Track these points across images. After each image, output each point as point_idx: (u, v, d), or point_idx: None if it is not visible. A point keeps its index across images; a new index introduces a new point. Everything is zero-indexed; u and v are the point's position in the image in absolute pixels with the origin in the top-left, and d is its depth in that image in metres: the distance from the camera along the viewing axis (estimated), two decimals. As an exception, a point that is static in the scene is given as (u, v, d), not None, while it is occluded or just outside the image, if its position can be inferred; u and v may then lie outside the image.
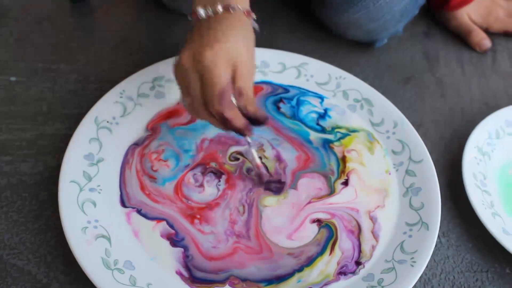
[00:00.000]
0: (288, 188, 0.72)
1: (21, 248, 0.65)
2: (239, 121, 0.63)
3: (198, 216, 0.68)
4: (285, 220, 0.69)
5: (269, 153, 0.75)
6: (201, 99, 0.63)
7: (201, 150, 0.74)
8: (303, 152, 0.76)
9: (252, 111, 0.64)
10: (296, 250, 0.67)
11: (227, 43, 0.61)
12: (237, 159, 0.74)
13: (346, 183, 0.74)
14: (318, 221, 0.69)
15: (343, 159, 0.76)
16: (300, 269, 0.65)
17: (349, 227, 0.69)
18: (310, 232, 0.69)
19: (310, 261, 0.66)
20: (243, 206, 0.69)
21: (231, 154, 0.75)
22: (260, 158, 0.73)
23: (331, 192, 0.72)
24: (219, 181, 0.72)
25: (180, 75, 0.64)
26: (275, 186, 0.71)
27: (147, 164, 0.72)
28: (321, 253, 0.67)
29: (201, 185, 0.71)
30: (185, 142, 0.75)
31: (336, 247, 0.68)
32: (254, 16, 0.67)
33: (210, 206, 0.69)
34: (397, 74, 0.93)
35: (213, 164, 0.73)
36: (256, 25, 0.67)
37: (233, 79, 0.62)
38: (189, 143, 0.75)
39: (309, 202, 0.71)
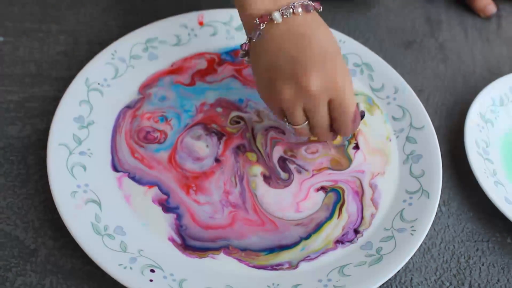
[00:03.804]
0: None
1: (9, 213, 0.63)
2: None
3: (194, 186, 0.66)
4: (289, 195, 0.67)
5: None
6: (328, 125, 0.62)
7: (201, 112, 0.72)
8: None
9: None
10: (306, 219, 0.65)
11: (339, 53, 0.59)
12: (238, 122, 0.72)
13: (357, 147, 0.72)
14: (322, 188, 0.68)
15: None
16: (307, 237, 0.64)
17: (354, 188, 0.68)
18: (317, 198, 0.67)
19: (318, 228, 0.65)
20: (235, 177, 0.68)
21: (232, 118, 0.73)
22: None
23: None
24: (220, 143, 0.70)
25: (302, 100, 0.59)
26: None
27: (140, 128, 0.70)
28: (329, 217, 0.66)
29: (199, 154, 0.69)
30: (186, 102, 0.73)
31: (344, 209, 0.66)
32: (321, 8, 0.61)
33: (206, 174, 0.67)
34: (398, 38, 0.90)
35: (214, 126, 0.71)
36: None
37: None
38: (189, 104, 0.73)
39: (313, 175, 0.69)
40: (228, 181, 0.67)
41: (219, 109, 0.73)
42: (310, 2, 0.59)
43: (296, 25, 0.58)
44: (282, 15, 0.58)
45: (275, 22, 0.58)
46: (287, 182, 0.68)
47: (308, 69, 0.57)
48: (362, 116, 0.65)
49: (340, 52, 0.60)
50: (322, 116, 0.60)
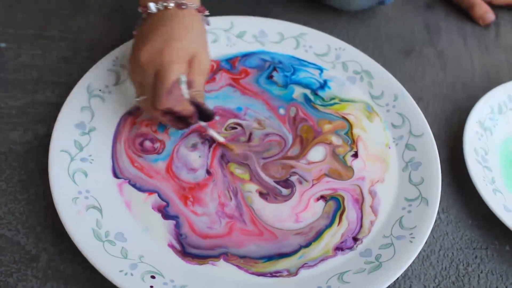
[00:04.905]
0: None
1: (10, 219, 0.63)
2: (187, 109, 0.64)
3: (191, 198, 0.66)
4: (287, 208, 0.67)
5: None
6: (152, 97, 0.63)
7: None
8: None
9: (200, 103, 0.64)
10: (306, 228, 0.65)
11: (184, 41, 0.62)
12: (235, 128, 0.73)
13: (356, 155, 0.72)
14: (322, 197, 0.68)
15: (348, 121, 0.75)
16: (307, 245, 0.64)
17: (354, 195, 0.68)
18: (317, 208, 0.67)
19: (318, 235, 0.65)
20: (228, 191, 0.67)
21: (229, 124, 0.73)
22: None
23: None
24: (209, 151, 0.70)
25: (136, 71, 0.63)
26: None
27: (138, 135, 0.70)
28: (329, 225, 0.66)
29: (193, 164, 0.69)
30: None
31: (344, 217, 0.67)
32: (207, 12, 0.68)
33: (200, 186, 0.67)
34: (397, 46, 0.90)
35: None
36: (208, 21, 0.69)
37: (188, 73, 0.62)
38: None
39: (312, 185, 0.69)
40: (222, 194, 0.67)
41: (216, 117, 0.73)
42: (190, 3, 0.65)
43: (167, 15, 0.64)
44: (156, 7, 0.64)
45: (150, 12, 0.64)
46: (287, 197, 0.68)
47: (142, 45, 0.62)
48: (212, 115, 0.67)
49: (201, 44, 0.65)
50: (146, 87, 0.62)
